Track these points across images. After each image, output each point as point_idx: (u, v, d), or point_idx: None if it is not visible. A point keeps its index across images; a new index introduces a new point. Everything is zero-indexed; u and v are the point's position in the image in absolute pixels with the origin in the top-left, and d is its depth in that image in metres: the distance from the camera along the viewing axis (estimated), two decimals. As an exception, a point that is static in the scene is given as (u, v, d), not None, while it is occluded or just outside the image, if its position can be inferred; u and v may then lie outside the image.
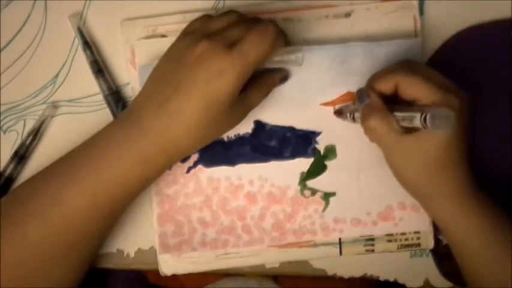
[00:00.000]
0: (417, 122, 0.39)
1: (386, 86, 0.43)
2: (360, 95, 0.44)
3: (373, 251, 0.50)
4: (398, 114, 0.42)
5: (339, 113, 0.48)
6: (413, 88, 0.42)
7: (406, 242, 0.50)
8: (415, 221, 0.49)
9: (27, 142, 0.49)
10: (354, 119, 0.46)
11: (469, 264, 0.45)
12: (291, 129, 0.49)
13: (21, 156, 0.49)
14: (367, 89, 0.44)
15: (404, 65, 0.44)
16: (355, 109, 0.46)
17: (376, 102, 0.43)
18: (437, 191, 0.43)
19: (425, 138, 0.42)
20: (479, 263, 0.44)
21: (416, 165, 0.43)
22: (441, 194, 0.43)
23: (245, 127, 0.48)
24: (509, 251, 0.42)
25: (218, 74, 0.39)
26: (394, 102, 0.43)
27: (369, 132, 0.44)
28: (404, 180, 0.45)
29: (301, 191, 0.49)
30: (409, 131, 0.42)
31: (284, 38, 0.42)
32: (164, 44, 0.44)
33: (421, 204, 0.46)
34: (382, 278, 0.51)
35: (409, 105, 0.43)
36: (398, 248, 0.50)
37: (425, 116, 0.38)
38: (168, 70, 0.42)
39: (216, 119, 0.41)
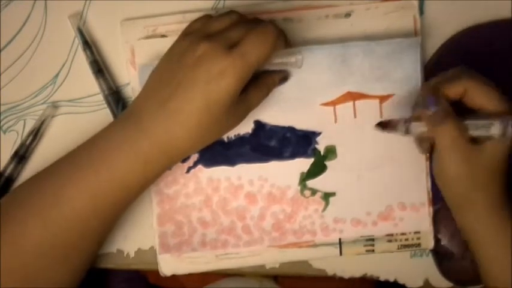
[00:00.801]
0: (495, 130, 0.40)
1: (455, 91, 0.43)
2: (428, 101, 0.42)
3: (373, 251, 0.50)
4: (470, 122, 0.42)
5: (384, 125, 0.46)
6: (484, 96, 0.42)
7: (406, 242, 0.50)
8: (415, 221, 0.49)
9: (27, 142, 0.49)
10: (407, 131, 0.45)
11: (497, 279, 0.44)
12: (291, 129, 0.49)
13: (21, 156, 0.49)
14: (436, 94, 0.43)
15: (467, 71, 0.43)
16: (409, 119, 0.45)
17: (448, 108, 0.42)
18: (481, 201, 0.43)
19: (491, 149, 0.42)
20: (506, 275, 0.43)
21: (471, 175, 0.42)
22: (484, 205, 0.43)
23: (245, 127, 0.48)
24: None
25: (218, 75, 0.39)
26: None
27: (440, 139, 0.43)
28: (450, 188, 0.44)
29: (301, 191, 0.49)
30: (473, 141, 0.42)
31: (284, 39, 0.42)
32: (164, 44, 0.44)
33: (458, 215, 0.45)
34: (382, 278, 0.51)
35: (469, 112, 0.43)
36: (398, 248, 0.50)
37: (507, 124, 0.39)
38: (169, 71, 0.42)
39: (216, 120, 0.41)
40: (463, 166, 0.43)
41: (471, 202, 0.44)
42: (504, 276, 0.43)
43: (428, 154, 0.48)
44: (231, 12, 0.43)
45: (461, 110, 0.43)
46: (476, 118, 0.42)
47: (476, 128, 0.42)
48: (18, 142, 0.49)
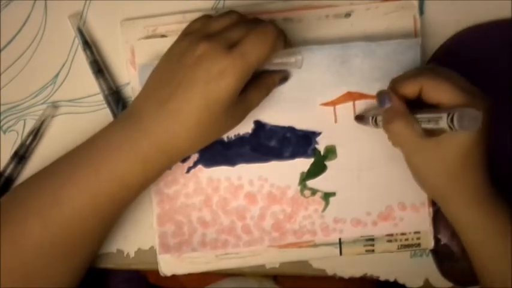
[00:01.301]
0: (443, 123, 0.39)
1: (411, 89, 0.43)
2: (381, 99, 0.44)
3: (373, 251, 0.50)
4: (421, 116, 0.42)
5: (360, 118, 0.48)
6: (438, 91, 0.42)
7: (406, 242, 0.50)
8: (415, 221, 0.49)
9: (27, 142, 0.49)
10: (376, 124, 0.46)
11: (486, 268, 0.45)
12: (291, 129, 0.49)
13: (21, 156, 0.49)
14: (389, 92, 0.44)
15: (428, 68, 0.44)
16: (377, 113, 0.46)
17: (398, 106, 0.43)
18: (457, 193, 0.43)
19: (448, 142, 0.42)
20: (497, 268, 0.44)
21: (438, 168, 0.43)
22: (461, 197, 0.43)
23: (245, 127, 0.48)
24: None
25: (218, 75, 0.39)
26: (416, 106, 0.43)
27: (391, 136, 0.44)
28: (424, 182, 0.45)
29: (301, 191, 0.49)
30: (431, 134, 0.42)
31: (284, 39, 0.42)
32: (164, 44, 0.44)
33: (440, 206, 0.46)
34: (382, 278, 0.51)
35: (432, 108, 0.42)
36: (398, 248, 0.50)
37: (453, 116, 0.38)
38: (168, 71, 0.42)
39: (216, 120, 0.41)
40: (420, 160, 0.44)
41: (447, 193, 0.44)
42: (491, 264, 0.44)
43: None
44: (230, 12, 0.43)
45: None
46: (427, 112, 0.42)
47: (428, 122, 0.41)
48: (18, 142, 0.49)
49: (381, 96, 0.44)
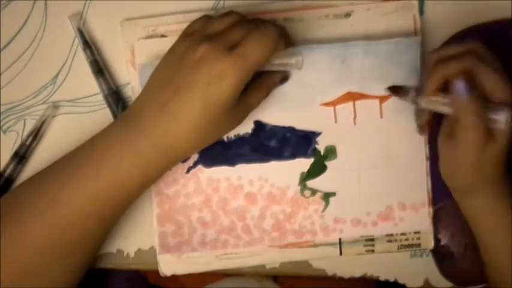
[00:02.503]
0: (501, 124, 0.40)
1: (455, 72, 0.42)
2: (458, 85, 0.42)
3: (373, 251, 0.50)
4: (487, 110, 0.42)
5: (395, 90, 0.47)
6: (491, 82, 0.41)
7: (406, 242, 0.50)
8: (415, 221, 0.49)
9: (28, 142, 0.49)
10: (415, 101, 0.45)
11: (500, 262, 0.45)
12: (291, 129, 0.49)
13: (21, 156, 0.49)
14: (466, 80, 0.42)
15: (474, 50, 0.42)
16: (419, 90, 0.44)
17: (478, 97, 0.42)
18: (485, 185, 0.44)
19: (500, 138, 0.42)
20: (506, 261, 0.44)
21: (484, 162, 0.42)
22: (488, 189, 0.44)
23: (245, 127, 0.48)
24: None
25: (219, 77, 0.39)
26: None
27: (469, 125, 0.42)
28: (458, 175, 0.44)
29: (301, 191, 0.49)
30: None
31: (285, 39, 0.42)
32: (164, 44, 0.44)
33: (460, 198, 0.46)
34: (382, 278, 0.51)
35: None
36: (398, 248, 0.50)
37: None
38: (169, 72, 0.42)
39: (216, 121, 0.41)
40: (478, 154, 0.42)
41: (476, 190, 0.44)
42: (506, 258, 0.44)
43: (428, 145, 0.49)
44: (231, 12, 0.43)
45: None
46: (490, 107, 0.41)
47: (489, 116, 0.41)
48: (18, 142, 0.49)
49: (457, 83, 0.42)
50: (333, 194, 0.49)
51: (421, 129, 0.48)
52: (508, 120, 0.40)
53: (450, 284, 0.51)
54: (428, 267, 0.51)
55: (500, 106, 0.41)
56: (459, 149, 0.43)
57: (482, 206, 0.44)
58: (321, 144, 0.49)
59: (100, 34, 0.50)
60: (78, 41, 0.49)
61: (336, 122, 0.49)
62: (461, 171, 0.44)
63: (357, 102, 0.48)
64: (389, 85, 0.48)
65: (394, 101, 0.48)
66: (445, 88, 0.43)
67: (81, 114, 0.50)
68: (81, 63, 0.49)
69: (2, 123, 0.49)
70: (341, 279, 0.51)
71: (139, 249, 0.50)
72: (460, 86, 0.42)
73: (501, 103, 0.41)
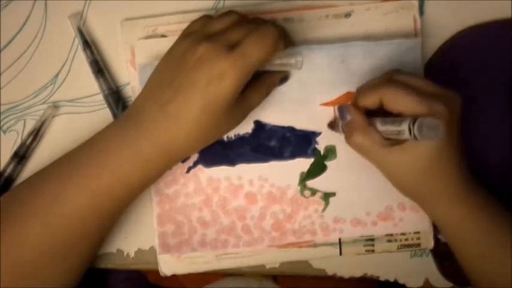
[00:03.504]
0: (406, 135, 0.39)
1: (370, 100, 0.43)
2: (340, 112, 0.45)
3: (373, 251, 0.50)
4: (382, 128, 0.42)
5: (331, 126, 0.48)
6: (397, 102, 0.41)
7: (406, 242, 0.50)
8: (415, 221, 0.49)
9: (28, 142, 0.49)
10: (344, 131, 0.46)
11: (469, 264, 0.45)
12: (291, 129, 0.49)
13: (21, 156, 0.49)
14: (347, 106, 0.44)
15: (386, 78, 0.43)
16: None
17: (356, 119, 0.43)
18: (429, 195, 0.44)
19: (412, 150, 0.41)
20: (479, 264, 0.44)
21: (407, 174, 0.43)
22: (436, 198, 0.43)
23: (245, 127, 0.48)
24: (509, 252, 0.42)
25: (218, 76, 0.39)
26: (383, 115, 0.43)
27: (353, 148, 0.44)
28: (397, 185, 0.45)
29: (301, 191, 0.49)
30: (396, 141, 0.42)
31: (284, 39, 0.42)
32: (164, 44, 0.44)
33: (420, 206, 0.46)
34: (382, 278, 0.51)
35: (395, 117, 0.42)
36: (398, 248, 0.50)
37: (412, 128, 0.38)
38: (169, 72, 0.42)
39: (216, 121, 0.41)
40: (388, 167, 0.44)
41: (422, 196, 0.44)
42: (473, 260, 0.44)
43: None
44: (231, 12, 0.43)
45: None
46: (389, 124, 0.41)
47: (389, 133, 0.41)
48: (18, 142, 0.49)
49: (340, 110, 0.45)
50: (333, 194, 0.49)
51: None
52: (410, 128, 0.39)
53: (450, 284, 0.51)
54: (428, 267, 0.51)
55: (405, 118, 0.40)
56: (373, 164, 0.45)
57: (435, 213, 0.45)
58: (321, 144, 0.49)
59: (100, 34, 0.50)
60: (78, 41, 0.49)
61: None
62: (393, 183, 0.45)
63: (357, 102, 0.48)
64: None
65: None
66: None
67: (81, 114, 0.50)
68: (81, 63, 0.49)
69: (2, 123, 0.49)
70: (341, 279, 0.51)
71: (139, 249, 0.50)
72: (340, 112, 0.45)
73: (403, 114, 0.41)
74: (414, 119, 0.39)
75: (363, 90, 0.44)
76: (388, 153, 0.42)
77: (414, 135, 0.38)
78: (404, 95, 0.41)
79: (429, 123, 0.38)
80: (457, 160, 0.43)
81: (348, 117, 0.44)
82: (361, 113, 0.44)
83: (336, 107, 0.46)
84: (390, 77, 0.43)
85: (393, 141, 0.42)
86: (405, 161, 0.42)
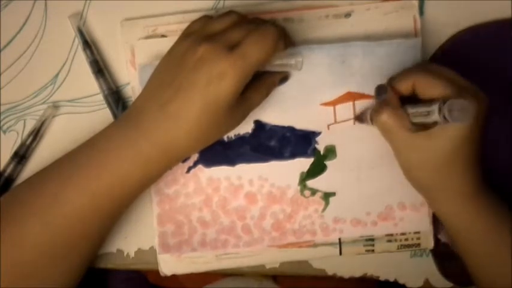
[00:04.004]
0: (435, 116, 0.39)
1: (404, 85, 0.43)
2: (378, 90, 0.45)
3: (373, 251, 0.50)
4: (413, 110, 0.42)
5: (359, 118, 0.48)
6: (429, 86, 0.42)
7: (406, 242, 0.50)
8: (415, 221, 0.49)
9: (28, 142, 0.49)
10: (372, 121, 0.46)
11: (475, 264, 0.45)
12: (291, 129, 0.49)
13: (21, 156, 0.49)
14: (386, 85, 0.44)
15: (420, 65, 0.44)
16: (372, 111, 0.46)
17: (390, 98, 0.44)
18: (444, 187, 0.43)
19: (438, 136, 0.42)
20: (485, 264, 0.44)
21: (426, 162, 0.43)
22: (448, 191, 0.43)
23: (245, 127, 0.48)
24: None
25: (219, 77, 0.39)
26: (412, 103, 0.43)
27: (380, 127, 0.44)
28: (411, 175, 0.45)
29: (301, 191, 0.49)
30: (421, 128, 0.42)
31: (284, 40, 0.42)
32: (164, 44, 0.44)
33: (427, 200, 0.46)
34: (382, 278, 0.51)
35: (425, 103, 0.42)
36: (398, 248, 0.50)
37: (443, 107, 0.38)
38: (169, 72, 0.42)
39: (216, 121, 0.41)
40: (409, 154, 0.43)
41: (435, 187, 0.44)
42: (478, 259, 0.44)
43: None
44: (230, 12, 0.43)
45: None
46: (419, 106, 0.42)
47: (419, 115, 0.42)
48: (18, 142, 0.49)
49: (378, 88, 0.45)
50: (333, 193, 0.49)
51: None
52: (438, 117, 0.39)
53: (450, 284, 0.51)
54: (428, 267, 0.51)
55: (433, 102, 0.41)
56: (394, 152, 0.45)
57: (444, 210, 0.45)
58: (321, 144, 0.49)
59: (100, 34, 0.50)
60: (78, 41, 0.49)
61: (335, 122, 0.49)
62: (407, 174, 0.45)
63: (357, 102, 0.48)
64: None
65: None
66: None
67: (81, 114, 0.50)
68: (81, 63, 0.49)
69: (2, 123, 0.49)
70: (341, 279, 0.51)
71: (139, 249, 0.50)
72: (380, 90, 0.45)
73: (435, 99, 0.41)
74: (445, 100, 0.39)
75: (397, 75, 0.44)
76: (412, 138, 0.42)
77: (444, 116, 0.39)
78: (437, 81, 0.41)
79: (461, 104, 0.38)
80: (474, 159, 0.43)
81: (383, 96, 0.44)
82: (397, 95, 0.44)
83: (376, 86, 0.45)
84: (424, 64, 0.44)
85: (419, 128, 0.42)
86: (429, 147, 0.42)
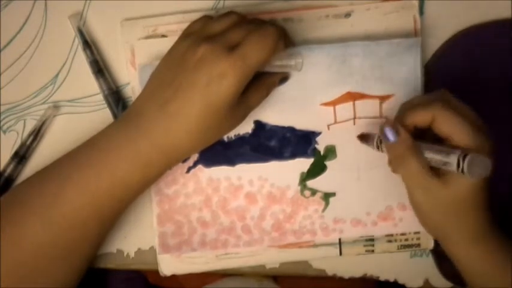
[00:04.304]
0: (452, 168, 0.38)
1: (421, 118, 0.41)
2: (386, 132, 0.42)
3: (373, 251, 0.50)
4: (428, 156, 0.40)
5: (363, 138, 0.47)
6: (450, 126, 0.40)
7: (406, 242, 0.50)
8: (415, 221, 0.49)
9: (28, 143, 0.49)
10: (379, 148, 0.45)
11: None
12: (291, 129, 0.49)
13: (21, 156, 0.49)
14: (396, 125, 0.41)
15: (440, 97, 0.41)
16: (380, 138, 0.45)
17: (408, 142, 0.41)
18: (456, 232, 0.43)
19: (454, 183, 0.40)
20: None
21: (438, 207, 0.42)
22: (461, 235, 0.43)
23: (245, 127, 0.48)
24: None
25: (219, 77, 0.39)
26: (419, 135, 0.42)
27: (402, 174, 0.42)
28: (422, 217, 0.44)
29: (301, 191, 0.49)
30: (436, 171, 0.41)
31: (284, 40, 0.42)
32: (164, 44, 0.44)
33: (441, 244, 0.45)
34: (382, 278, 0.51)
35: (437, 140, 0.41)
36: (398, 248, 0.50)
37: (463, 161, 0.37)
38: (169, 73, 0.42)
39: (216, 122, 0.41)
40: (424, 198, 0.42)
41: (447, 232, 0.43)
42: None
43: None
44: (230, 12, 0.43)
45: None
46: (436, 152, 0.40)
47: (435, 161, 0.40)
48: (18, 142, 0.49)
49: (386, 130, 0.42)
50: (333, 194, 0.49)
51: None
52: (455, 167, 0.38)
53: (450, 284, 0.51)
54: (428, 267, 0.51)
55: (453, 149, 0.39)
56: (409, 194, 0.43)
57: (455, 252, 0.44)
58: (321, 144, 0.49)
59: (100, 34, 0.50)
60: (78, 41, 0.49)
61: (335, 122, 0.49)
62: (418, 215, 0.44)
63: (357, 102, 0.48)
64: (388, 86, 0.48)
65: (394, 101, 0.48)
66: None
67: (81, 114, 0.50)
68: (81, 63, 0.49)
69: (2, 123, 0.49)
70: (341, 279, 0.51)
71: (139, 249, 0.50)
72: (387, 132, 0.42)
73: (456, 146, 0.40)
74: (464, 153, 0.38)
75: (413, 106, 0.42)
76: (427, 182, 0.41)
77: (462, 170, 0.37)
78: (459, 121, 0.40)
79: (483, 161, 0.37)
80: (487, 203, 0.42)
81: (395, 139, 0.41)
82: (410, 134, 0.41)
83: (381, 126, 0.42)
84: (442, 97, 0.41)
85: (435, 171, 0.41)
86: (443, 193, 0.41)
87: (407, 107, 0.43)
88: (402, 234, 0.50)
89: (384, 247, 0.50)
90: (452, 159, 0.38)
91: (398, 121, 0.42)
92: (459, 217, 0.42)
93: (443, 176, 0.41)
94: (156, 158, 0.42)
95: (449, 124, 0.40)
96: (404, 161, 0.41)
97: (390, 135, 0.42)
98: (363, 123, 0.49)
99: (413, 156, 0.41)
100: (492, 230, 0.43)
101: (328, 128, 0.49)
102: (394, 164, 0.43)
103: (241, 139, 0.49)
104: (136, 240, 0.50)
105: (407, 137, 0.41)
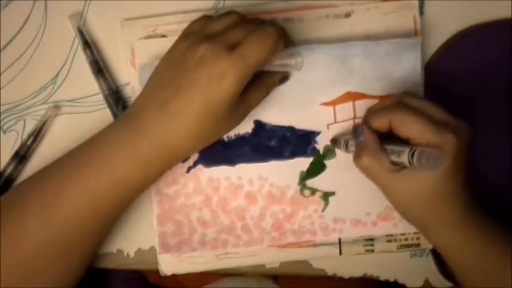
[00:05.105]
0: (405, 160, 0.39)
1: (380, 123, 0.43)
2: (355, 132, 0.44)
3: (372, 251, 0.50)
4: (390, 148, 0.42)
5: (334, 141, 0.48)
6: (406, 126, 0.41)
7: (406, 242, 0.50)
8: (415, 221, 0.49)
9: (28, 143, 0.49)
10: (347, 149, 0.46)
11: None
12: (291, 129, 0.49)
13: (21, 156, 0.49)
14: (362, 126, 0.44)
15: (399, 100, 0.43)
16: (349, 138, 0.46)
17: (368, 140, 0.43)
18: (432, 222, 0.43)
19: (415, 176, 0.42)
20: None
21: (410, 199, 0.43)
22: (438, 224, 0.43)
23: (245, 127, 0.48)
24: (509, 272, 0.42)
25: (219, 77, 0.39)
26: (392, 138, 0.43)
27: (361, 171, 0.44)
28: (401, 212, 0.45)
29: (301, 191, 0.49)
30: (403, 167, 0.42)
31: (284, 40, 0.42)
32: (164, 44, 0.44)
33: (422, 234, 0.46)
34: (382, 278, 0.51)
35: (406, 142, 0.42)
36: (398, 248, 0.50)
37: (412, 154, 0.38)
38: (169, 72, 0.42)
39: (216, 121, 0.41)
40: (394, 192, 0.43)
41: (424, 222, 0.44)
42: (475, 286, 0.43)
43: None
44: (230, 12, 0.43)
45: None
46: (395, 146, 0.41)
47: (396, 155, 0.41)
48: (18, 142, 0.49)
49: (355, 129, 0.44)
50: (333, 193, 0.49)
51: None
52: (408, 158, 0.39)
53: (450, 284, 0.51)
54: (428, 267, 0.51)
55: (404, 148, 0.40)
56: (380, 189, 0.45)
57: (438, 241, 0.44)
58: (321, 144, 0.49)
59: (100, 34, 0.50)
60: (78, 41, 0.49)
61: (335, 121, 0.49)
62: (397, 210, 0.45)
63: (357, 102, 0.48)
64: (388, 86, 0.48)
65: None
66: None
67: (81, 114, 0.50)
68: (81, 63, 0.49)
69: (2, 123, 0.49)
70: (341, 279, 0.51)
71: (139, 249, 0.50)
72: (355, 131, 0.44)
73: (417, 144, 0.41)
74: (412, 150, 0.38)
75: (373, 110, 0.44)
76: (393, 178, 0.42)
77: (413, 163, 0.38)
78: (413, 120, 0.41)
79: (431, 153, 0.38)
80: (462, 187, 0.42)
81: (361, 137, 0.43)
82: (375, 135, 0.43)
83: (353, 126, 0.46)
84: (401, 99, 0.43)
85: (400, 167, 0.42)
86: (409, 186, 0.42)
87: (370, 112, 0.45)
88: (402, 234, 0.50)
89: (384, 247, 0.50)
90: (403, 158, 0.39)
91: (364, 123, 0.44)
92: (434, 208, 0.42)
93: (405, 171, 0.42)
94: (156, 158, 0.42)
95: (405, 125, 0.41)
96: (366, 160, 0.42)
97: (359, 134, 0.44)
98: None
99: (374, 153, 0.42)
100: (474, 215, 0.43)
101: (328, 128, 0.49)
102: (358, 166, 0.44)
103: (241, 139, 0.49)
104: (136, 240, 0.50)
105: (371, 135, 0.43)
